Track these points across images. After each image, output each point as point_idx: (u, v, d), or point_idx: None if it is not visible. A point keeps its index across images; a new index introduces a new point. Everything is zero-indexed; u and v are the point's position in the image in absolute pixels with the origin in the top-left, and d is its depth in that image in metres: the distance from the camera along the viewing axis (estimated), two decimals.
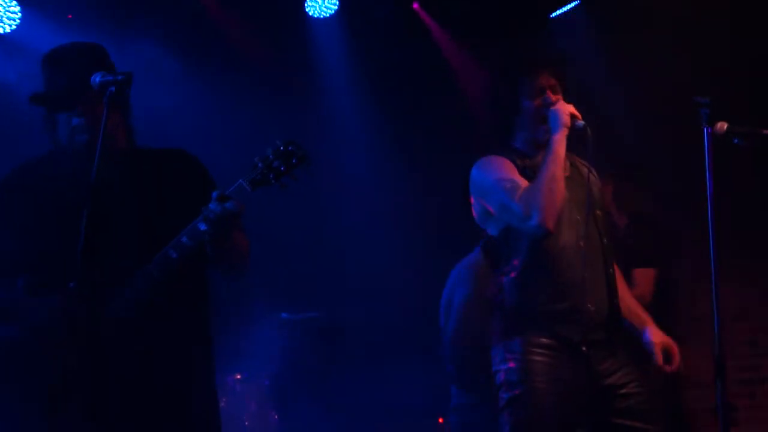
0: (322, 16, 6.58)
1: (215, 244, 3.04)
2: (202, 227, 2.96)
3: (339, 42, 6.73)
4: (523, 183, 3.31)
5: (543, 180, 3.26)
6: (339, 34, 6.72)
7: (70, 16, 6.25)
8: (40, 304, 3.05)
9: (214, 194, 2.97)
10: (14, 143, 5.54)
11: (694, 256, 4.82)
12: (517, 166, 3.40)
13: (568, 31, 6.34)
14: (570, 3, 6.37)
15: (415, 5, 6.73)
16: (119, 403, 2.96)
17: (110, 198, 3.04)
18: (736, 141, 3.27)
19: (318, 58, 6.80)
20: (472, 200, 3.49)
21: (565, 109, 3.37)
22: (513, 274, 3.38)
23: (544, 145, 3.41)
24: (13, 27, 6.16)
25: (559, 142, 3.33)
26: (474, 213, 3.49)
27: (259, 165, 2.97)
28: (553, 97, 3.43)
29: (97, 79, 2.92)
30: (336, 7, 6.54)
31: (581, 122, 3.37)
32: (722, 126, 3.24)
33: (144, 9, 6.24)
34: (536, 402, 3.29)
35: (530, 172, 3.37)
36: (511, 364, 3.34)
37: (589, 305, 3.34)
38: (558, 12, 6.50)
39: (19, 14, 6.15)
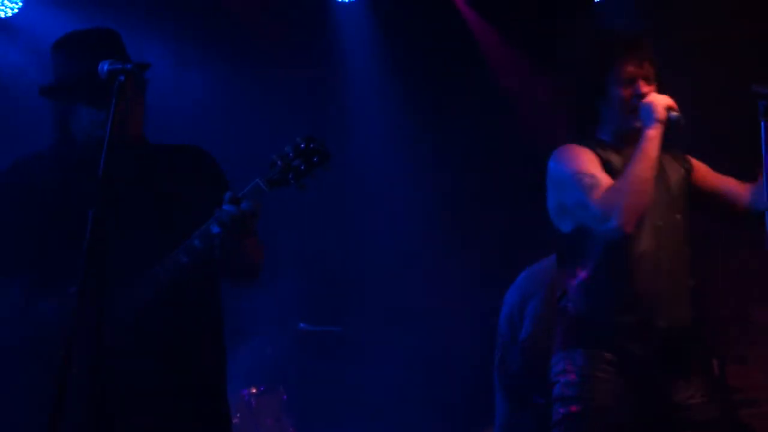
0: (346, 1, 6.49)
1: (227, 249, 2.97)
2: (215, 230, 2.90)
3: (364, 29, 6.64)
4: (605, 179, 3.20)
5: (629, 179, 3.15)
6: (364, 21, 6.62)
7: None
8: (40, 308, 3.01)
9: (227, 195, 2.91)
10: (18, 134, 5.53)
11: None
12: (600, 158, 3.29)
13: (615, 15, 6.18)
14: None
15: None
16: (123, 415, 2.89)
17: (118, 196, 2.94)
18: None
19: (342, 45, 6.72)
20: (548, 192, 3.39)
21: (661, 102, 3.24)
22: (581, 279, 3.28)
23: (631, 139, 3.30)
24: (15, 11, 6.12)
25: (652, 139, 3.20)
26: (549, 206, 3.39)
27: (278, 163, 2.91)
28: (645, 88, 3.31)
29: (105, 67, 2.84)
30: None
31: (676, 114, 3.24)
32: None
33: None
34: (594, 423, 3.21)
35: (613, 167, 3.27)
36: (572, 377, 3.26)
37: (660, 322, 3.22)
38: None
39: None
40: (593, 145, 3.34)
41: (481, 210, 6.46)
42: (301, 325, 6.10)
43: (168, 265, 2.95)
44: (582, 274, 3.27)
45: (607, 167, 3.26)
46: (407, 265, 6.49)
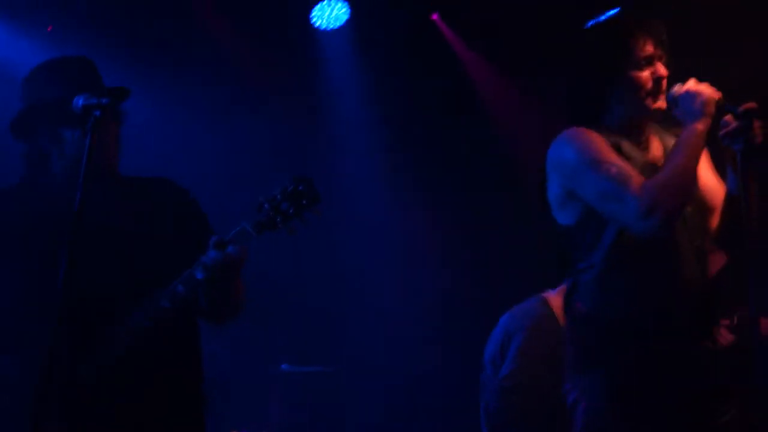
0: (330, 29, 6.52)
1: (212, 294, 2.99)
2: (199, 275, 2.91)
3: (349, 57, 6.70)
4: (633, 170, 3.07)
5: (675, 175, 3.03)
6: (348, 49, 6.68)
7: (50, 29, 6.18)
8: (11, 357, 2.99)
9: (213, 239, 2.91)
10: None
11: None
12: (613, 145, 3.17)
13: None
14: (609, 10, 6.22)
15: (435, 16, 6.64)
16: None
17: (94, 233, 2.98)
18: None
19: (326, 75, 6.76)
20: (549, 179, 3.25)
21: (710, 94, 3.11)
22: (591, 274, 3.16)
23: (641, 124, 3.24)
24: None
25: (699, 134, 3.08)
26: (550, 195, 3.26)
27: (266, 206, 2.92)
28: (663, 70, 3.22)
29: (80, 102, 2.87)
30: (346, 18, 6.47)
31: (734, 107, 3.08)
32: None
33: (132, 19, 6.20)
34: None
35: (625, 153, 3.16)
36: (596, 403, 3.11)
37: (684, 316, 3.10)
38: (594, 21, 6.37)
39: None
40: (601, 129, 3.21)
41: (471, 243, 6.48)
42: (284, 366, 6.09)
43: (148, 310, 2.95)
44: (592, 269, 3.15)
45: (619, 153, 3.13)
46: (391, 304, 6.49)
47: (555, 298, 4.56)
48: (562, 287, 4.48)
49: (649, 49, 3.21)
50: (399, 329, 6.40)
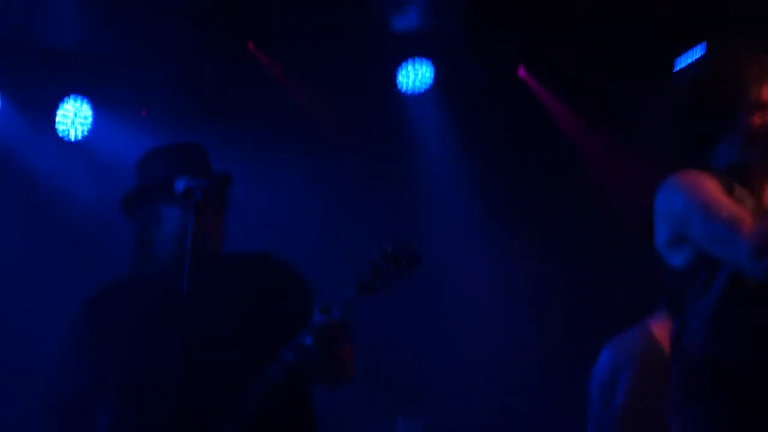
0: (416, 92, 6.57)
1: (321, 359, 3.03)
2: (308, 341, 2.96)
3: (437, 119, 6.73)
4: (742, 211, 2.98)
5: None
6: (436, 110, 6.71)
7: (144, 113, 6.37)
8: None
9: (317, 305, 2.97)
10: (93, 260, 5.69)
11: None
12: (724, 186, 3.08)
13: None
14: (695, 49, 6.16)
15: (521, 72, 6.64)
16: None
17: (203, 316, 3.06)
18: None
19: (413, 137, 6.82)
20: (657, 224, 3.17)
21: None
22: (702, 316, 3.07)
23: (749, 172, 3.13)
24: (85, 132, 6.32)
25: None
26: (657, 240, 3.18)
27: (367, 271, 2.96)
28: None
29: (181, 185, 2.95)
30: (431, 81, 6.52)
31: None
32: None
33: (223, 98, 6.35)
34: None
35: (737, 199, 3.04)
36: None
37: None
38: (682, 65, 6.33)
39: (90, 117, 6.29)
40: (713, 173, 3.12)
41: (563, 295, 6.44)
42: (400, 420, 6.07)
43: (261, 380, 3.01)
44: (703, 312, 3.07)
45: (730, 194, 3.05)
46: (490, 349, 6.47)
47: (657, 328, 4.51)
48: (663, 315, 4.44)
49: (766, 94, 3.12)
50: (498, 373, 6.38)
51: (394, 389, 6.30)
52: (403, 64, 6.52)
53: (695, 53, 5.90)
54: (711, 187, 3.04)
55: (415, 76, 6.54)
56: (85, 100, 6.30)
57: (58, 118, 6.27)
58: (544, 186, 6.65)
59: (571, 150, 6.69)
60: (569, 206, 6.57)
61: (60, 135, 6.27)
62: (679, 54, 6.02)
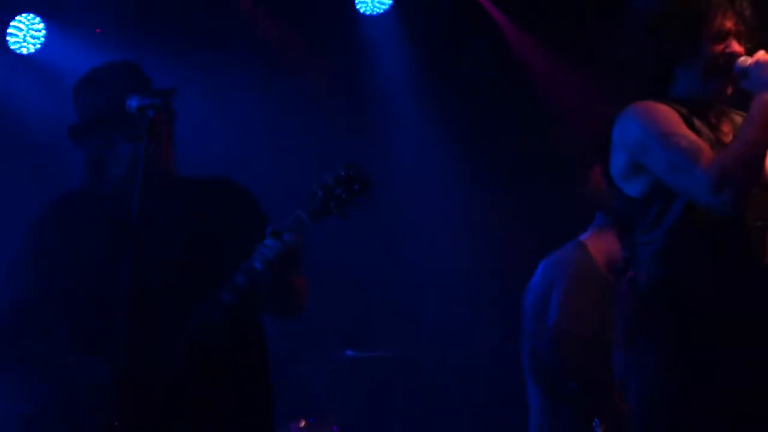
0: (374, 13, 6.55)
1: (272, 285, 3.03)
2: (259, 266, 2.95)
3: (395, 42, 6.71)
4: (704, 144, 3.00)
5: (747, 148, 2.92)
6: (394, 33, 6.69)
7: (98, 31, 6.30)
8: (83, 360, 3.08)
9: (269, 229, 2.97)
10: (46, 172, 5.67)
11: None
12: (683, 117, 3.06)
13: None
14: None
15: None
16: None
17: (154, 238, 3.06)
18: None
19: (372, 60, 6.80)
20: (614, 153, 3.19)
21: None
22: (652, 248, 3.08)
23: (710, 102, 3.15)
24: (38, 46, 6.27)
25: None
26: (614, 167, 3.20)
27: (319, 194, 2.96)
28: (736, 47, 3.09)
29: (133, 103, 2.95)
30: (390, 3, 6.50)
31: None
32: None
33: (174, 15, 6.29)
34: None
35: (697, 130, 3.07)
36: (647, 380, 3.05)
37: (745, 293, 3.02)
38: None
39: (43, 32, 6.24)
40: (671, 104, 3.11)
41: (522, 224, 6.48)
42: (349, 352, 6.11)
43: (211, 305, 3.01)
44: (656, 242, 3.08)
45: (689, 126, 3.04)
46: (451, 281, 6.51)
47: (592, 243, 4.59)
48: (597, 230, 4.58)
49: (729, 24, 3.10)
50: (461, 306, 6.44)
51: (346, 321, 6.35)
52: None
53: None
54: (670, 117, 3.05)
55: None
56: (38, 18, 6.23)
57: (10, 33, 6.20)
58: (501, 109, 6.67)
59: (527, 73, 6.70)
60: (524, 127, 6.61)
61: (12, 50, 6.21)
62: None
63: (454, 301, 6.48)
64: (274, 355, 3.32)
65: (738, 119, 3.17)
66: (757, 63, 3.01)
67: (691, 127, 3.05)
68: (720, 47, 3.08)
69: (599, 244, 4.59)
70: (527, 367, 4.64)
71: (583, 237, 4.65)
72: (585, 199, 4.66)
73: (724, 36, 3.08)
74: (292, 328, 4.56)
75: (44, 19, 6.24)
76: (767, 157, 3.01)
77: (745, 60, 3.05)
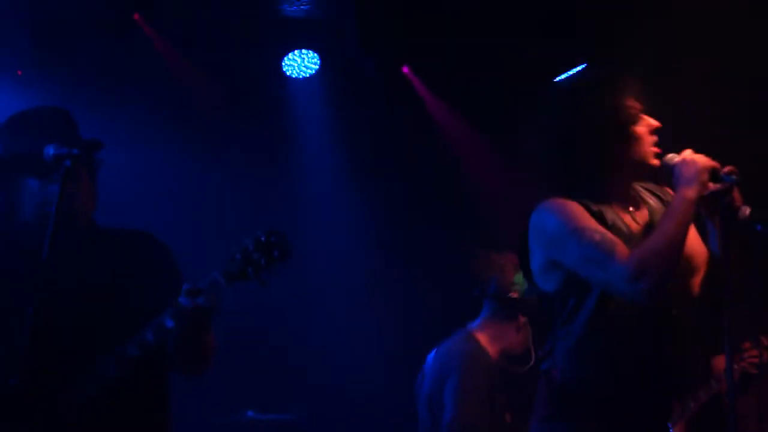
0: (301, 77, 6.66)
1: (181, 344, 3.03)
2: (170, 324, 2.95)
3: (320, 105, 6.82)
4: (615, 237, 3.06)
5: (664, 241, 3.01)
6: (320, 97, 6.80)
7: (20, 73, 6.25)
8: None
9: (185, 287, 2.95)
10: None
11: None
12: (591, 212, 3.14)
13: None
14: (576, 66, 6.35)
15: (405, 69, 6.79)
16: None
17: (64, 283, 3.04)
18: (759, 228, 3.06)
19: (297, 122, 6.88)
20: (531, 250, 3.26)
21: (704, 164, 3.09)
22: (569, 341, 3.16)
23: (628, 189, 3.25)
24: None
25: (690, 202, 3.05)
26: (532, 264, 3.26)
27: (237, 257, 2.95)
28: (655, 121, 3.20)
29: (50, 151, 2.92)
30: (317, 67, 6.61)
31: (732, 176, 3.07)
32: (744, 210, 3.08)
33: (103, 65, 6.28)
34: None
35: (608, 221, 3.14)
36: None
37: (660, 393, 3.17)
38: (563, 76, 6.51)
39: None
40: (579, 199, 3.18)
41: (435, 285, 6.57)
42: (250, 413, 6.10)
43: (117, 358, 2.98)
44: (570, 337, 3.16)
45: (601, 221, 3.12)
46: (357, 345, 6.55)
47: (480, 333, 4.69)
48: (488, 320, 4.69)
49: (636, 103, 3.20)
50: (377, 372, 6.48)
51: (250, 381, 6.33)
52: (291, 49, 6.60)
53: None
54: (581, 213, 3.12)
55: (301, 61, 6.61)
56: None
57: None
58: (419, 184, 6.81)
59: (449, 151, 6.85)
60: (441, 208, 6.75)
61: None
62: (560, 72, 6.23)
63: (360, 365, 6.50)
64: (179, 414, 3.30)
65: (652, 202, 3.28)
66: (683, 161, 3.10)
67: (603, 222, 3.13)
68: (643, 126, 3.18)
69: (491, 333, 4.69)
70: None
71: (472, 326, 4.73)
72: (471, 284, 4.76)
73: (640, 116, 3.19)
74: (195, 385, 4.54)
75: None
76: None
77: (672, 158, 3.14)
